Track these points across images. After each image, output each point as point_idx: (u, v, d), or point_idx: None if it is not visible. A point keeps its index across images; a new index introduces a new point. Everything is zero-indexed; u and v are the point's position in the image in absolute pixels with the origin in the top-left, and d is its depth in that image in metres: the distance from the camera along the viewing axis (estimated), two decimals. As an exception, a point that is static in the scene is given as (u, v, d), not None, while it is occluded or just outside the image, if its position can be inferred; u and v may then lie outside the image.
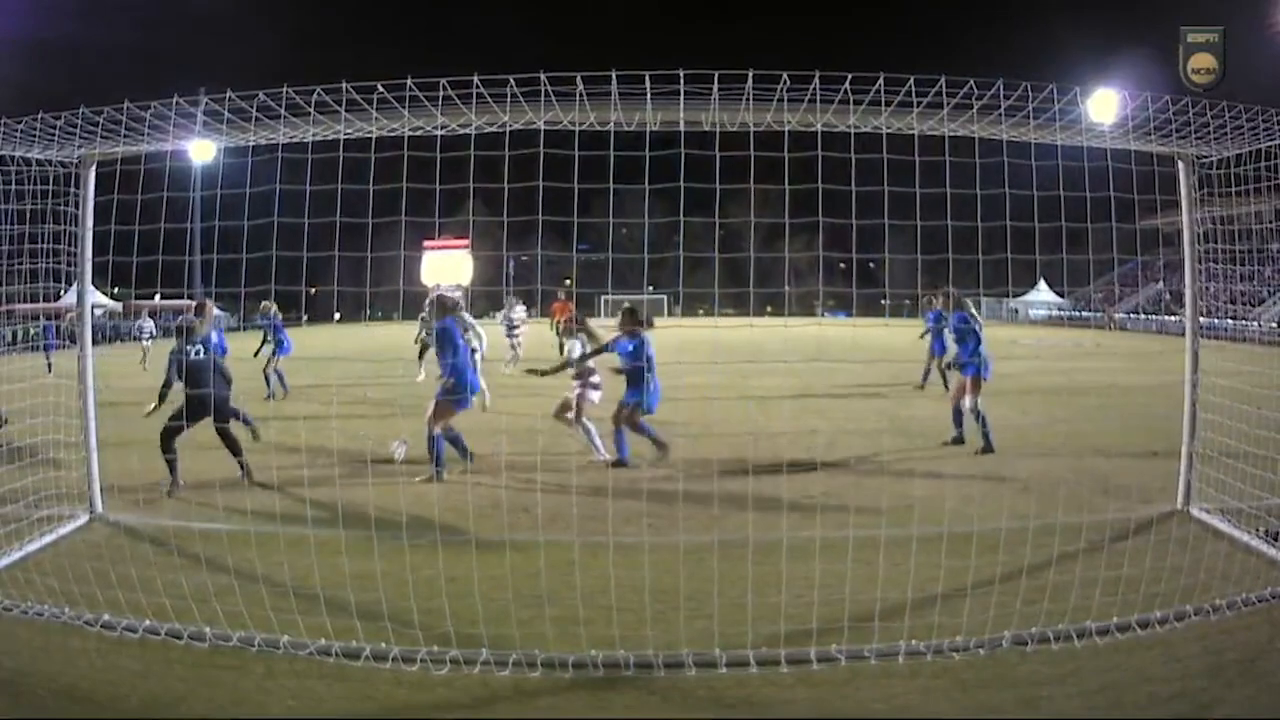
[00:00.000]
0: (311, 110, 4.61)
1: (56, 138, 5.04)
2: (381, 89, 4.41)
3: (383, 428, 9.30)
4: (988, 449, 8.45)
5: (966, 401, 8.73)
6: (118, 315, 34.59)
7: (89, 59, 54.92)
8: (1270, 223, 6.10)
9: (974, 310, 9.01)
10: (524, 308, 18.16)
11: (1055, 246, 5.65)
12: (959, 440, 8.91)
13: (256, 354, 13.60)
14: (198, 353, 6.99)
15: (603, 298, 48.76)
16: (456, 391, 7.22)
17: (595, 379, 8.05)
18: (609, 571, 4.43)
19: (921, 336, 14.47)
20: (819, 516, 5.53)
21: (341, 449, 8.39)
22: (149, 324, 21.76)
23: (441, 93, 4.38)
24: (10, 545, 5.18)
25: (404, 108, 4.57)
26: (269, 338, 13.64)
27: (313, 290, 5.36)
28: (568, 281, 15.09)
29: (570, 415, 8.07)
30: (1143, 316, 44.19)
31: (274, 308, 13.70)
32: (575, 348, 8.10)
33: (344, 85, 4.41)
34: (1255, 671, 3.55)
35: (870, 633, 3.82)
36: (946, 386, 12.66)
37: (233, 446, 7.12)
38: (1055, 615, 3.98)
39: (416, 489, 6.86)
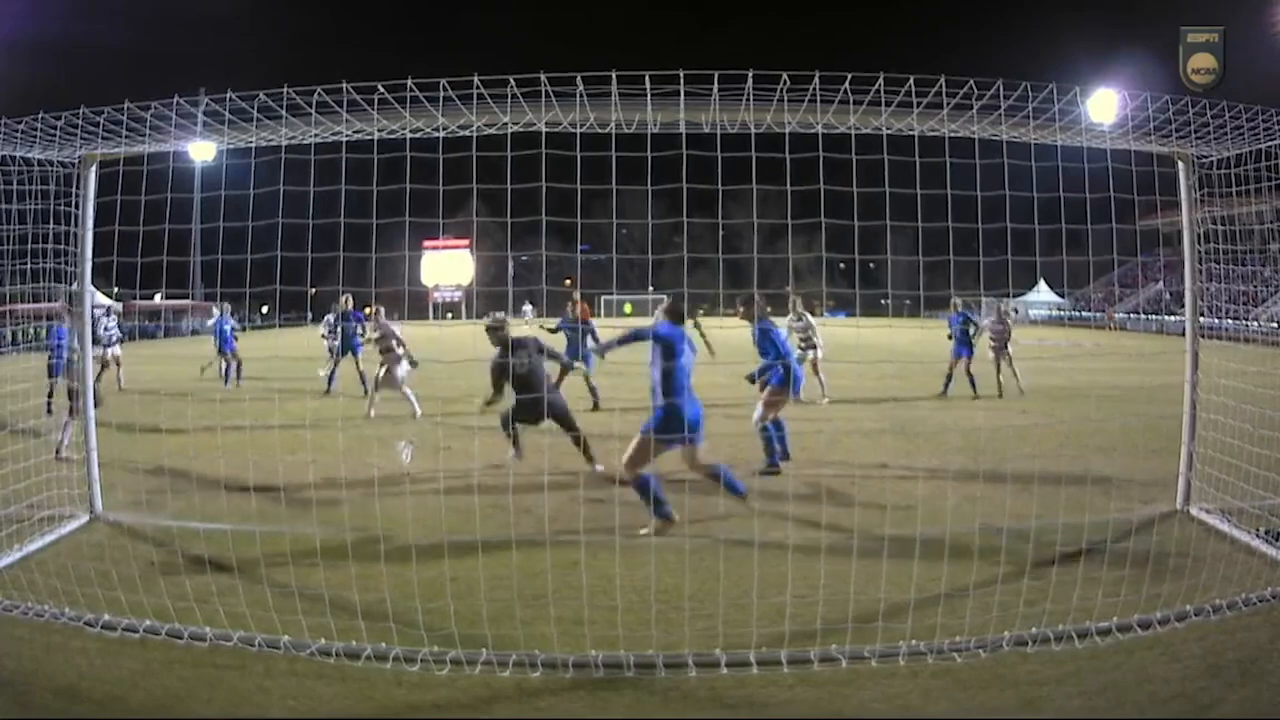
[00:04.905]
0: (313, 111, 4.60)
1: (57, 138, 5.04)
2: (382, 89, 4.41)
3: (388, 429, 9.31)
4: (771, 468, 7.30)
5: (756, 413, 7.43)
6: (118, 316, 34.35)
7: (89, 59, 55.13)
8: (1270, 223, 6.10)
9: (774, 319, 7.80)
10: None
11: (1055, 247, 5.65)
12: (774, 466, 7.41)
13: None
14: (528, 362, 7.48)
15: (604, 298, 48.86)
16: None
17: None
18: (613, 571, 4.44)
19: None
20: (822, 516, 5.53)
21: (346, 449, 8.39)
22: (111, 324, 14.87)
23: (442, 93, 4.37)
24: (10, 545, 5.18)
25: (405, 109, 4.57)
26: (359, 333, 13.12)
27: (314, 291, 5.36)
28: (569, 282, 14.94)
29: None
30: (1143, 316, 44.22)
31: (344, 306, 13.23)
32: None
33: (344, 86, 4.41)
34: (1255, 671, 3.55)
35: (872, 633, 3.82)
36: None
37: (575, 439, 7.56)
38: (1056, 615, 3.98)
39: (416, 481, 6.86)
